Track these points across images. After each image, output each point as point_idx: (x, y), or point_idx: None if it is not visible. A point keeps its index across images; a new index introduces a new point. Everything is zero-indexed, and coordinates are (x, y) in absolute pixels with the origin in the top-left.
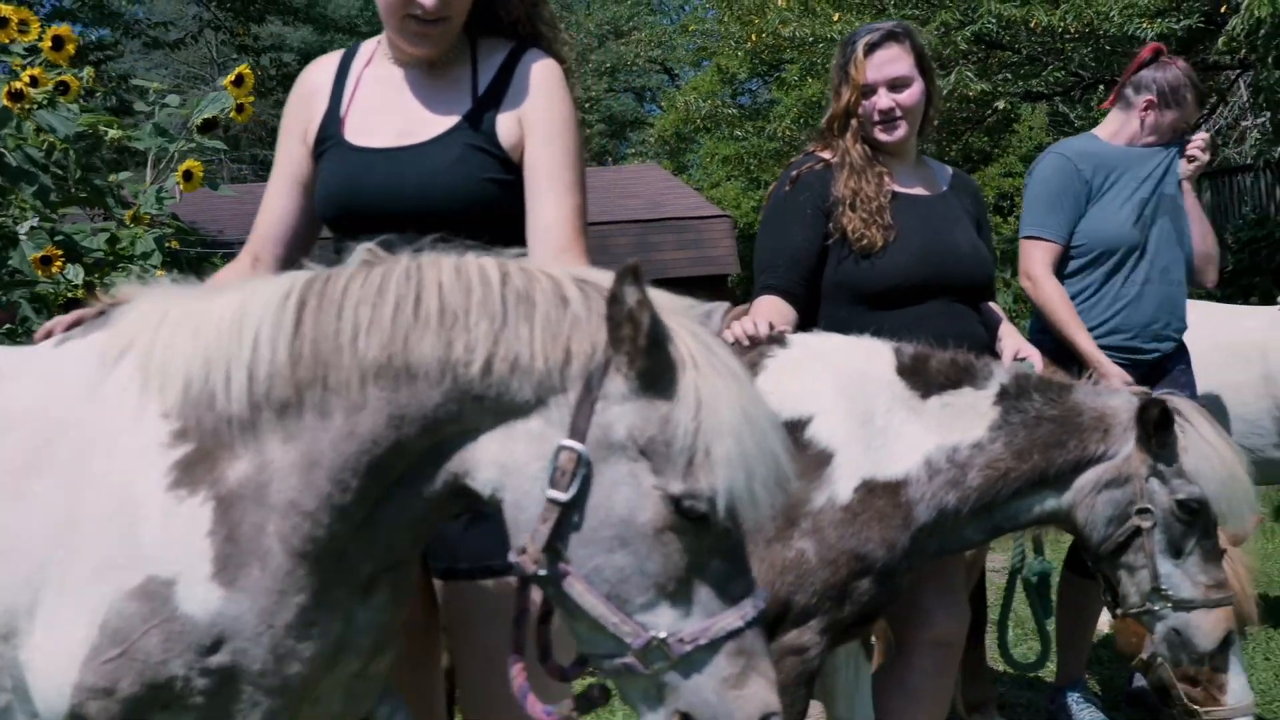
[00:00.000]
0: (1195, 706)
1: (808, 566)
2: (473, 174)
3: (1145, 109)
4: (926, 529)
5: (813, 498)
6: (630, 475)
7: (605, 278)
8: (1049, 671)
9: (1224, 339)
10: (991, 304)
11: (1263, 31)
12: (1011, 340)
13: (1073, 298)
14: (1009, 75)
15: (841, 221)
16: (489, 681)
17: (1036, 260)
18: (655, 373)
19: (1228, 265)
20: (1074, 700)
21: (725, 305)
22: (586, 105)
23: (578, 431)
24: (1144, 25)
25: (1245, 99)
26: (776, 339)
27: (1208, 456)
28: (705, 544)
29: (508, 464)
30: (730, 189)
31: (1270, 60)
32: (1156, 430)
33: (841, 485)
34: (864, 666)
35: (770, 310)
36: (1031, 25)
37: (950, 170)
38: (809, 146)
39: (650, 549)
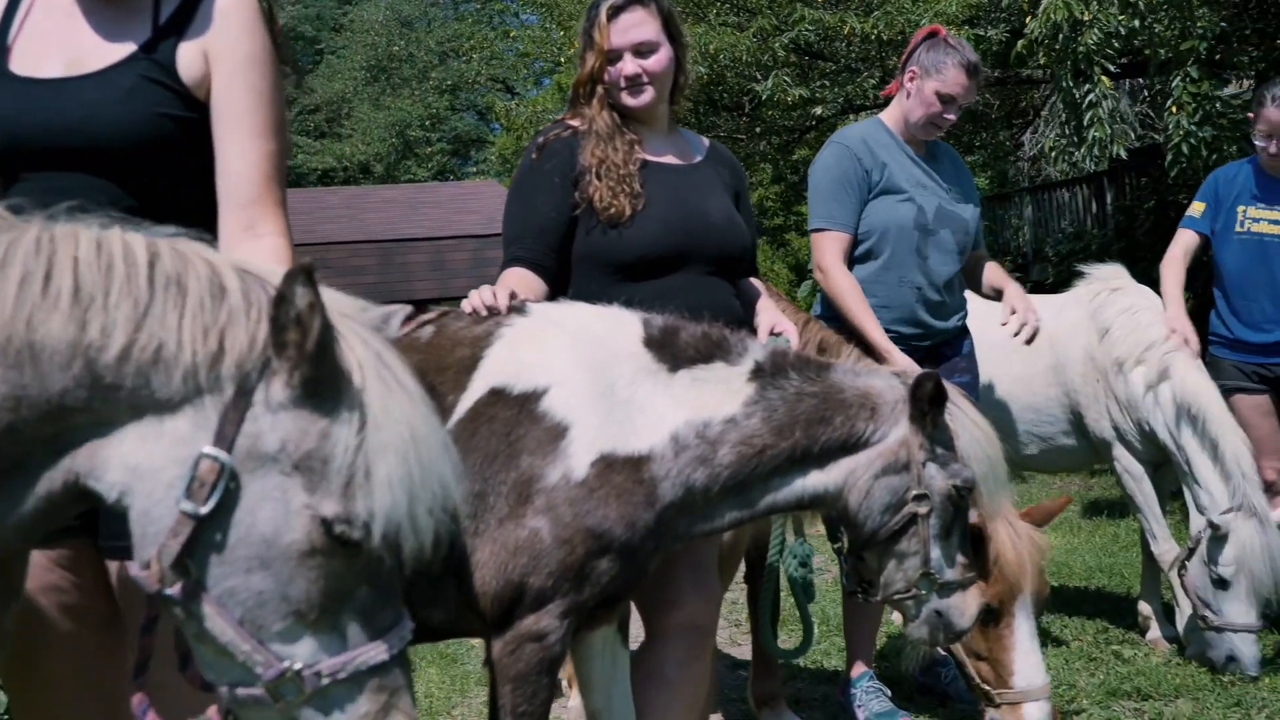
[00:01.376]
0: (986, 687)
1: (542, 546)
2: (145, 108)
3: (909, 79)
4: (674, 507)
5: (547, 473)
6: (279, 491)
7: (272, 271)
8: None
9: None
10: (752, 279)
11: (1061, 36)
12: (768, 315)
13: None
14: (827, 83)
15: (588, 191)
16: (160, 670)
17: (826, 251)
18: (319, 382)
19: (1049, 278)
20: (863, 690)
21: (407, 309)
22: (428, 124)
23: (224, 438)
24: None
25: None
26: (516, 309)
27: (976, 439)
28: (355, 571)
29: (140, 466)
30: None
31: (1069, 65)
32: (931, 406)
33: (578, 460)
34: (621, 654)
35: (516, 282)
36: (845, 33)
37: (707, 141)
38: (560, 115)
39: (293, 573)
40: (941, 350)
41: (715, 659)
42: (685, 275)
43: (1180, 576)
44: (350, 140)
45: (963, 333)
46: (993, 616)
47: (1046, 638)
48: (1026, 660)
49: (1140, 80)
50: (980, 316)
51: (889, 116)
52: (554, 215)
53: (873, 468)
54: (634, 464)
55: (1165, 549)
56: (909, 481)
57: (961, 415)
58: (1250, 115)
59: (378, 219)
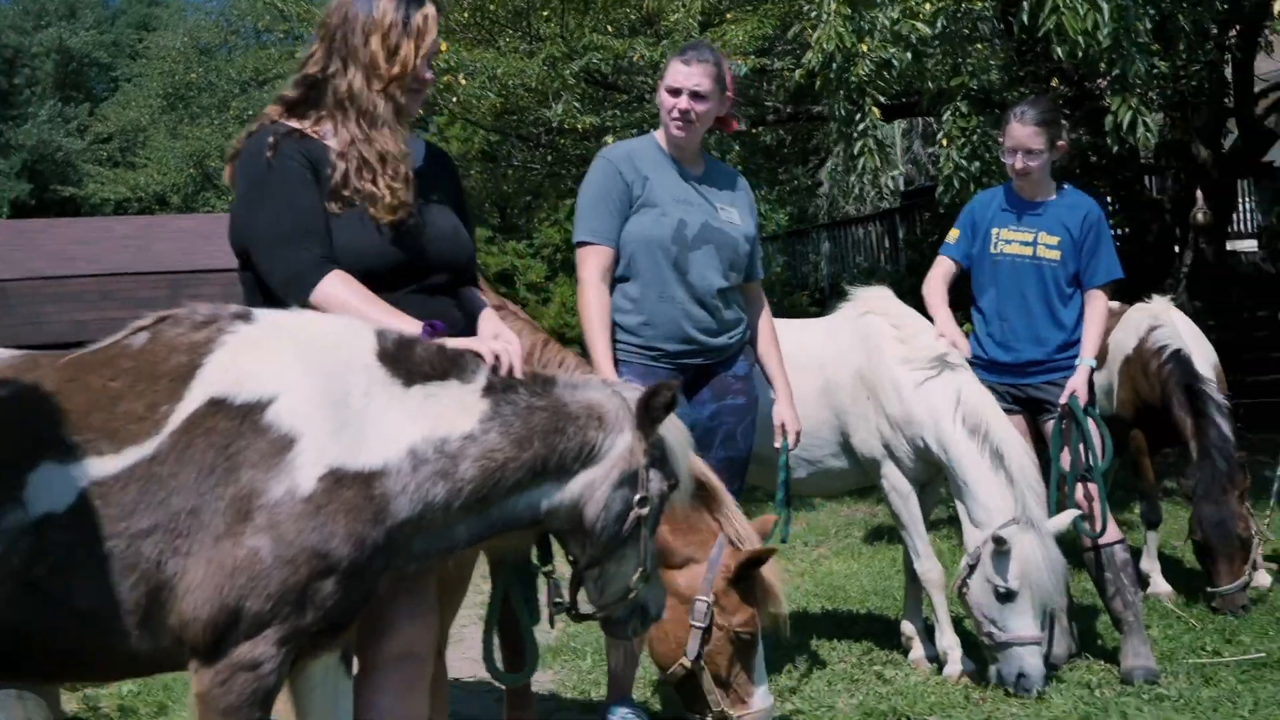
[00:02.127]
0: (729, 711)
1: (262, 567)
2: None
3: (659, 92)
4: (410, 524)
5: (270, 488)
6: None
7: None
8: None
9: (784, 353)
10: (474, 289)
11: (834, 66)
12: (489, 325)
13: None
14: (618, 111)
15: (368, 187)
16: None
17: (586, 265)
18: None
19: None
20: (620, 717)
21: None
22: (231, 155)
23: None
24: (739, 62)
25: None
26: (240, 315)
27: (676, 436)
28: None
29: None
30: None
31: (841, 95)
32: (664, 415)
33: (304, 474)
34: (344, 686)
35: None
36: (635, 59)
37: (424, 144)
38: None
39: None
40: (714, 369)
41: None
42: (410, 288)
43: (962, 595)
44: (145, 170)
45: (739, 352)
46: (750, 645)
47: (813, 660)
48: (763, 685)
49: (930, 120)
50: None
51: (659, 133)
52: (321, 215)
53: (610, 478)
54: (366, 479)
55: (928, 567)
56: (636, 487)
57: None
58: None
59: (170, 249)
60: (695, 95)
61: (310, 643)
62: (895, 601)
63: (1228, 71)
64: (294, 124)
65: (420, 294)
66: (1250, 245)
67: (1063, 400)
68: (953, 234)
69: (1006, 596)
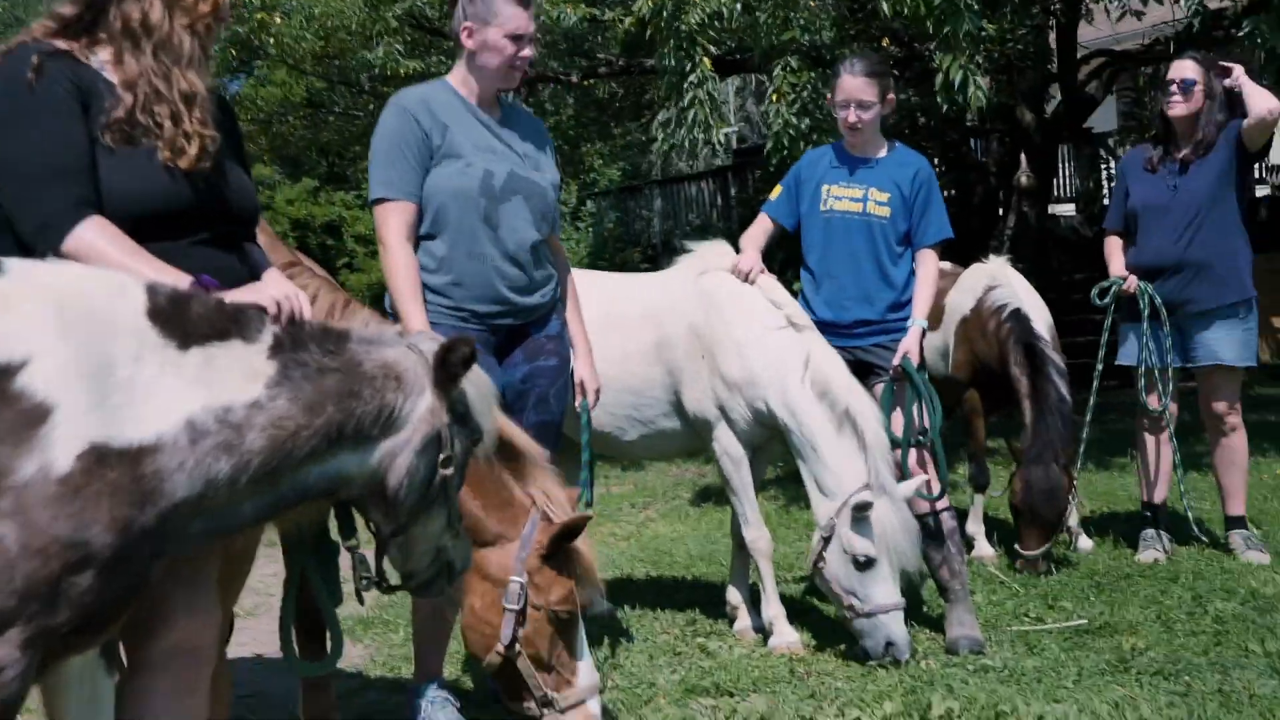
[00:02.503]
0: (553, 695)
1: (5, 558)
2: None
3: (467, 37)
4: (187, 505)
5: (18, 467)
6: None
7: None
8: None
9: (616, 309)
10: (257, 245)
11: (665, 13)
12: (275, 283)
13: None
14: (444, 58)
15: (153, 118)
16: None
17: (388, 225)
18: None
19: None
20: (430, 700)
21: None
22: None
23: None
24: (568, 11)
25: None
26: None
27: (478, 388)
28: None
29: None
30: None
31: (673, 44)
32: (463, 371)
33: (60, 451)
34: (104, 685)
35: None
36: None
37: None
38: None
39: None
40: (526, 329)
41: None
42: (193, 238)
43: (818, 570)
44: None
45: (551, 311)
46: (570, 623)
47: (635, 631)
48: (585, 660)
49: (764, 78)
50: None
51: (454, 78)
52: (86, 152)
53: (413, 443)
54: (134, 456)
55: (756, 535)
56: (441, 448)
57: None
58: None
59: None
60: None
61: (64, 643)
62: (722, 567)
63: (1052, 38)
64: (62, 45)
65: (205, 245)
66: (1069, 209)
67: (895, 361)
68: (775, 191)
69: (865, 565)
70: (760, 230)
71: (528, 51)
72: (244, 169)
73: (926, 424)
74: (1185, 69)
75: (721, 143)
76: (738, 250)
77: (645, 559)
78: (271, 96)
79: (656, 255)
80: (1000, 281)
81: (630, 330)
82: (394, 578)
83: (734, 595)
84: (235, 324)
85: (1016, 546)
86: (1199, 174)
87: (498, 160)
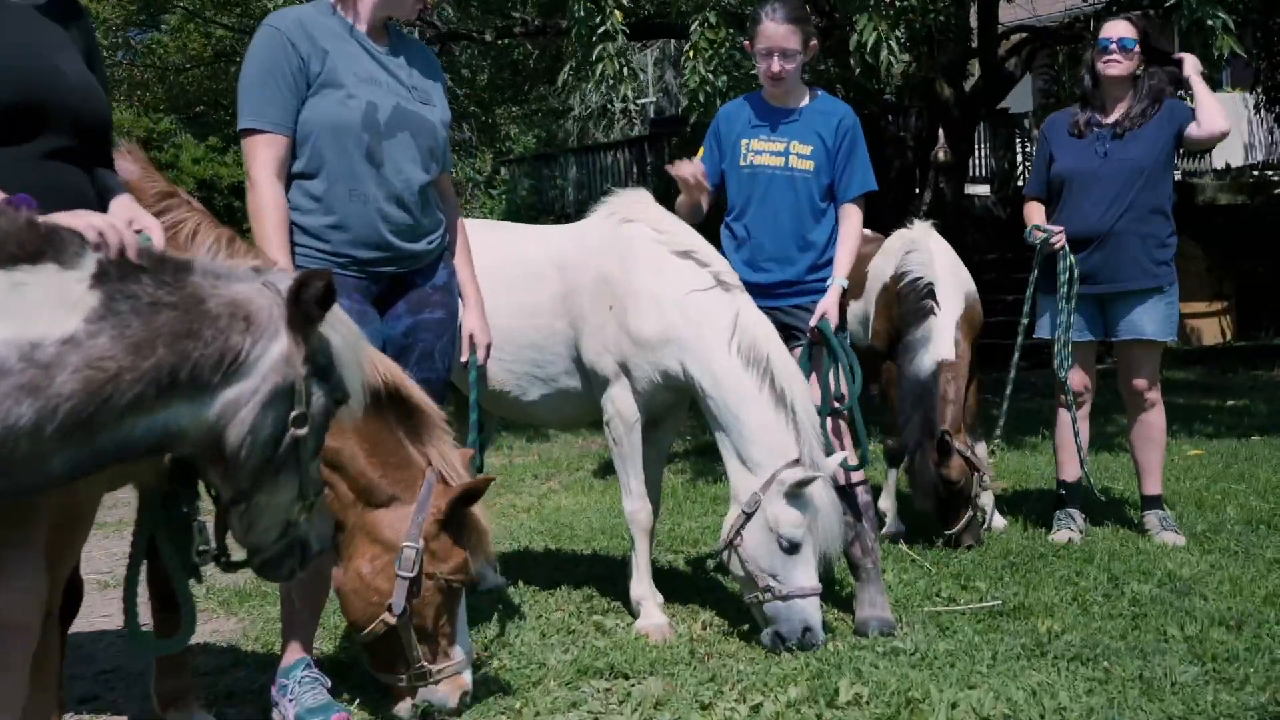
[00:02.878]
0: (430, 667)
1: None
2: None
3: None
4: None
5: None
6: None
7: None
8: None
9: (521, 257)
10: (111, 172)
11: None
12: (123, 210)
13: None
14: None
15: None
16: None
17: (255, 159)
18: None
19: None
20: (296, 681)
21: None
22: None
23: None
24: None
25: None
26: None
27: (349, 342)
28: None
29: None
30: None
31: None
32: (319, 311)
33: None
34: None
35: None
36: None
37: None
38: None
39: None
40: (412, 279)
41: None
42: (27, 148)
43: (733, 548)
44: None
45: (439, 259)
46: (459, 593)
47: (529, 608)
48: (462, 629)
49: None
50: (476, 236)
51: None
52: None
53: (259, 394)
54: None
55: (638, 508)
56: (294, 403)
57: (330, 315)
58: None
59: None
60: None
61: None
62: (623, 542)
63: (973, 13)
64: None
65: (37, 158)
66: (984, 189)
67: (812, 323)
68: (700, 152)
69: (791, 548)
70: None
71: None
72: (96, 74)
73: (845, 390)
74: (1122, 28)
75: (635, 106)
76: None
77: (545, 532)
78: (171, 45)
79: (570, 221)
80: (918, 247)
81: (538, 281)
82: (240, 552)
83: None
84: (50, 245)
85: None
86: (1134, 143)
87: (383, 92)
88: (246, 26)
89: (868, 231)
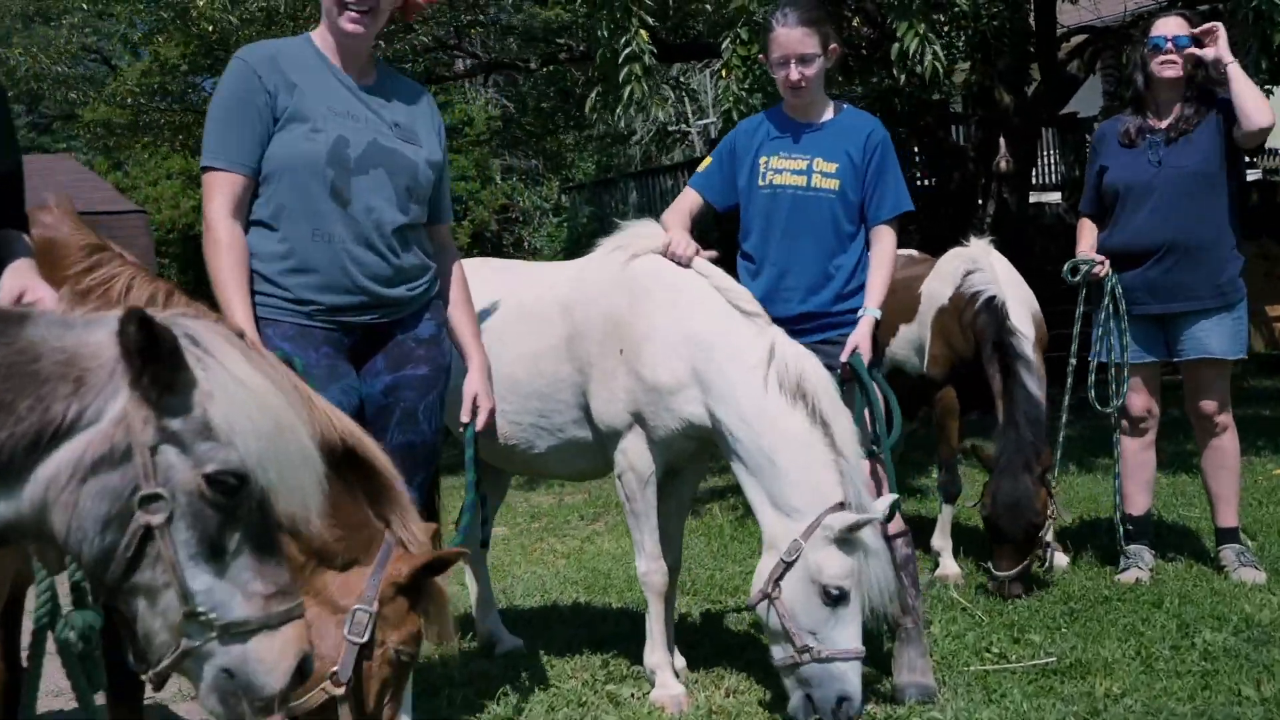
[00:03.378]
0: None
1: None
2: None
3: None
4: None
5: None
6: None
7: None
8: None
9: (523, 298)
10: (19, 233)
11: None
12: (16, 280)
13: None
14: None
15: None
16: None
17: (211, 199)
18: None
19: None
20: None
21: None
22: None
23: None
24: None
25: None
26: None
27: (242, 401)
28: None
29: None
30: (170, 187)
31: (605, 14)
32: (153, 358)
33: None
34: None
35: None
36: None
37: None
38: None
39: None
40: (390, 330)
41: None
42: None
43: (770, 601)
44: None
45: (425, 309)
46: (407, 668)
47: (545, 671)
48: (408, 712)
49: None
50: (474, 276)
51: (318, 34)
52: None
53: (78, 467)
54: None
55: (652, 569)
56: (134, 476)
57: (219, 368)
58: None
59: None
60: None
61: None
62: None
63: (1030, 18)
64: None
65: None
66: (1055, 197)
67: (843, 358)
68: (705, 162)
69: (837, 600)
70: (685, 207)
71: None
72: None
73: (876, 431)
74: (1175, 25)
75: (691, 127)
76: (712, 244)
77: (580, 581)
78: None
79: None
80: (980, 265)
81: (541, 323)
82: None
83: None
84: None
85: (988, 566)
86: (1187, 148)
87: (358, 127)
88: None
89: (916, 253)
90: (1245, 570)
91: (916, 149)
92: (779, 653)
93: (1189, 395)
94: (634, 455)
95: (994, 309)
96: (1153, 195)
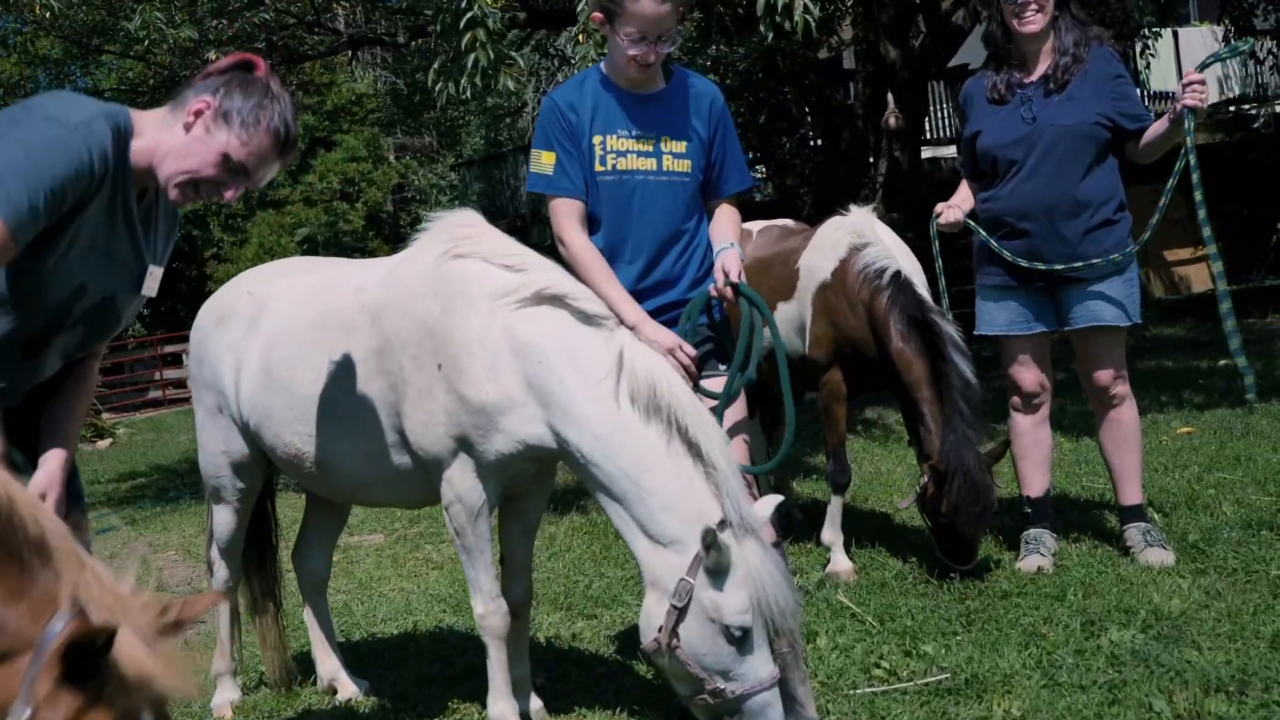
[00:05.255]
0: None
1: None
2: None
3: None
4: None
5: None
6: None
7: None
8: None
9: (326, 306)
10: None
11: None
12: None
13: None
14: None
15: None
16: None
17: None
18: None
19: (548, 240)
20: None
21: None
22: None
23: None
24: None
25: None
26: None
27: None
28: None
29: None
30: None
31: None
32: None
33: None
34: None
35: None
36: None
37: None
38: None
39: None
40: None
41: None
42: None
43: (671, 651)
44: None
45: None
46: None
47: None
48: None
49: None
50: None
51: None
52: None
53: None
54: None
55: (490, 610)
56: None
57: None
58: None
59: None
60: None
61: None
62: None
63: None
64: None
65: None
66: (949, 151)
67: (719, 283)
68: (547, 158)
69: (743, 636)
70: (576, 225)
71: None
72: None
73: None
74: None
75: (512, 89)
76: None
77: (448, 599)
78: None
79: (525, 226)
80: (868, 239)
81: (347, 333)
82: None
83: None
84: None
85: (942, 556)
86: (1066, 105)
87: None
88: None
89: (791, 223)
90: (1152, 551)
91: (807, 109)
92: (685, 690)
93: (1083, 366)
94: (461, 485)
95: (905, 286)
96: (1031, 155)
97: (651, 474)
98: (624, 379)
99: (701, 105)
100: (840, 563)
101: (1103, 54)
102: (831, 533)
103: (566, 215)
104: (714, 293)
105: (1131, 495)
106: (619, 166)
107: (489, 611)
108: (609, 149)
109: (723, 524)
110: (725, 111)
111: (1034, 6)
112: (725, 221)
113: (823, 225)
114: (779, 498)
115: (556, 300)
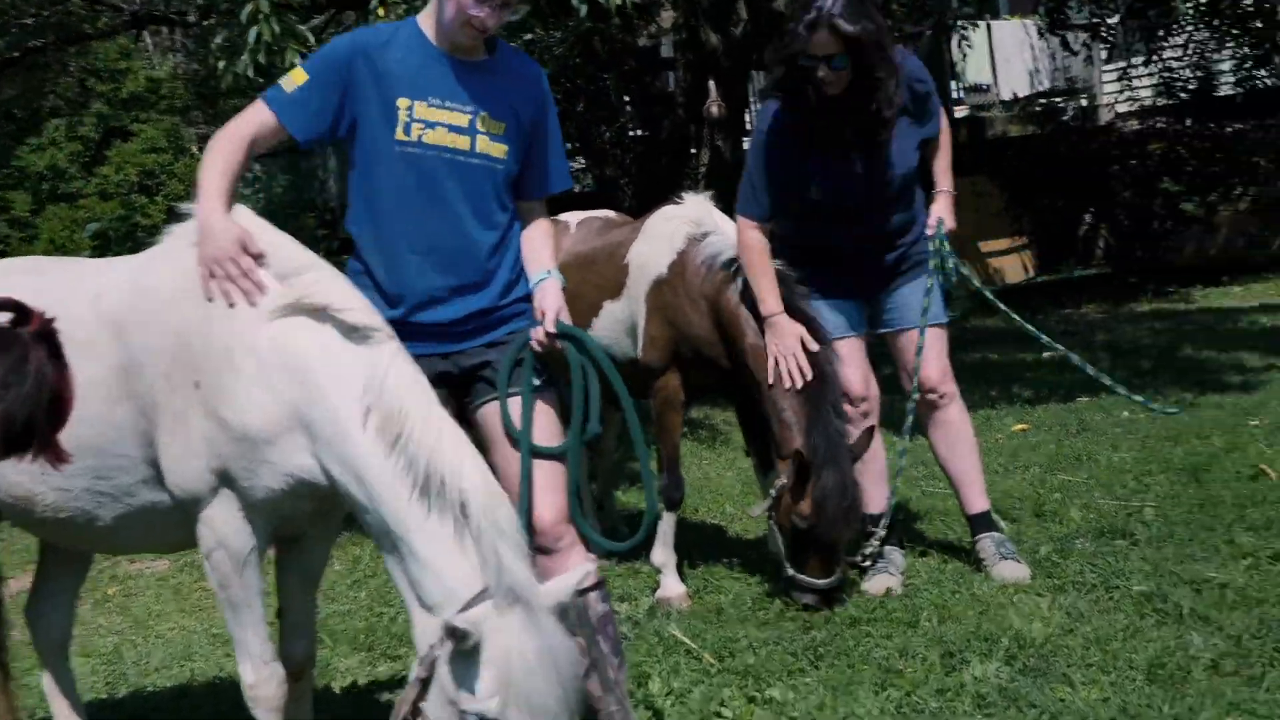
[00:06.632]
0: None
1: None
2: None
3: None
4: None
5: None
6: None
7: None
8: None
9: (59, 315)
10: None
11: None
12: None
13: None
14: None
15: None
16: None
17: None
18: None
19: None
20: None
21: None
22: None
23: None
24: None
25: None
26: None
27: None
28: None
29: None
30: None
31: None
32: None
33: None
34: None
35: None
36: None
37: None
38: None
39: None
40: None
41: None
42: None
43: None
44: None
45: None
46: None
47: None
48: None
49: None
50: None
51: None
52: None
53: None
54: None
55: (259, 680)
56: None
57: None
58: None
59: None
60: None
61: None
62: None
63: None
64: None
65: None
66: None
67: (548, 328)
68: (296, 76)
69: None
70: (249, 135)
71: None
72: None
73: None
74: (828, 43)
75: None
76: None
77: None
78: None
79: (335, 220)
80: (708, 228)
81: (82, 349)
82: None
83: None
84: None
85: (795, 575)
86: (889, 150)
87: None
88: None
89: (613, 214)
90: (1006, 565)
91: (626, 97)
92: None
93: (902, 369)
94: (224, 527)
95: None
96: (854, 207)
97: (412, 527)
98: (372, 404)
99: (527, 87)
100: (672, 587)
101: (913, 68)
102: (663, 553)
103: (253, 123)
104: (535, 345)
105: (976, 502)
106: (425, 139)
107: (260, 680)
108: (416, 116)
109: (484, 592)
110: (551, 98)
111: (831, 78)
112: (540, 238)
113: (652, 216)
114: (585, 568)
115: (322, 311)
